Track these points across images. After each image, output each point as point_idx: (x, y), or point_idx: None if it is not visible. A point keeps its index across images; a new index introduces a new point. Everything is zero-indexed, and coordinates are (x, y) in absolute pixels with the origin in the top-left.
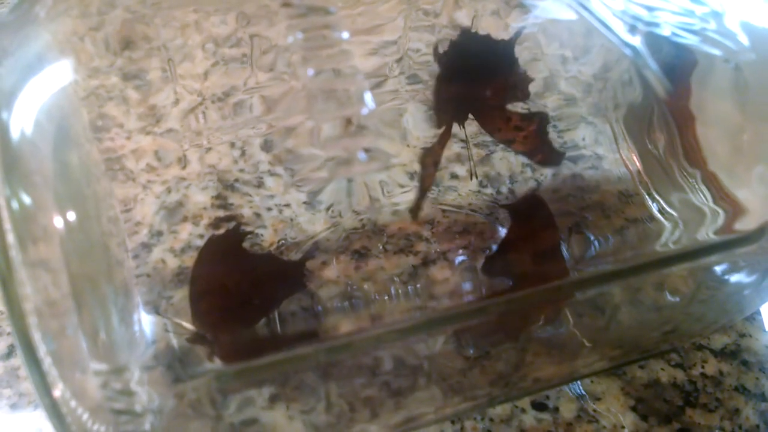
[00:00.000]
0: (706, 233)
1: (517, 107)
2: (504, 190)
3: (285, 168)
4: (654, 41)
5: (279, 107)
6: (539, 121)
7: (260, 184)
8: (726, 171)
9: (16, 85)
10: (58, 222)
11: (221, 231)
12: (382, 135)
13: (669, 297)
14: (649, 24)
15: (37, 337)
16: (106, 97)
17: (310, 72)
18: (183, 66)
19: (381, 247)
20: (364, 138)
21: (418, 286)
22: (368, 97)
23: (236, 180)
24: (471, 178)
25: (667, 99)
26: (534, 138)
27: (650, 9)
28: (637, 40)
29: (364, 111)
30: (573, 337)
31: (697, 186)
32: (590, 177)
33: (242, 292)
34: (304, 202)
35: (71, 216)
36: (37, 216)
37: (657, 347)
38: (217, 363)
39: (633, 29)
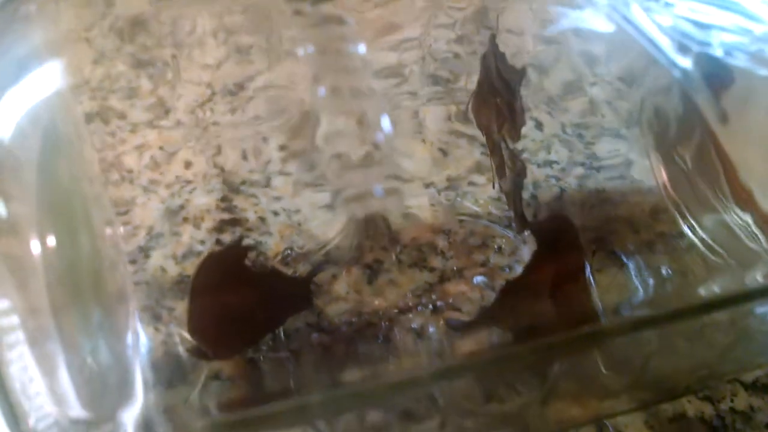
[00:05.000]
0: (756, 275)
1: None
2: (526, 196)
3: (300, 162)
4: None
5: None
6: (517, 173)
7: (268, 185)
8: None
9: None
10: (36, 234)
11: (222, 243)
12: (402, 163)
13: (708, 340)
14: (701, 44)
15: (8, 357)
16: (109, 88)
17: (322, 91)
18: (193, 55)
19: (394, 258)
20: (381, 168)
21: (435, 306)
22: (385, 121)
23: (243, 182)
24: (493, 186)
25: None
26: (511, 187)
27: (703, 27)
28: (687, 62)
29: (380, 137)
30: (602, 381)
31: (749, 228)
32: (615, 191)
33: (245, 310)
34: (320, 207)
35: (53, 226)
36: (13, 226)
37: (690, 388)
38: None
39: (683, 49)
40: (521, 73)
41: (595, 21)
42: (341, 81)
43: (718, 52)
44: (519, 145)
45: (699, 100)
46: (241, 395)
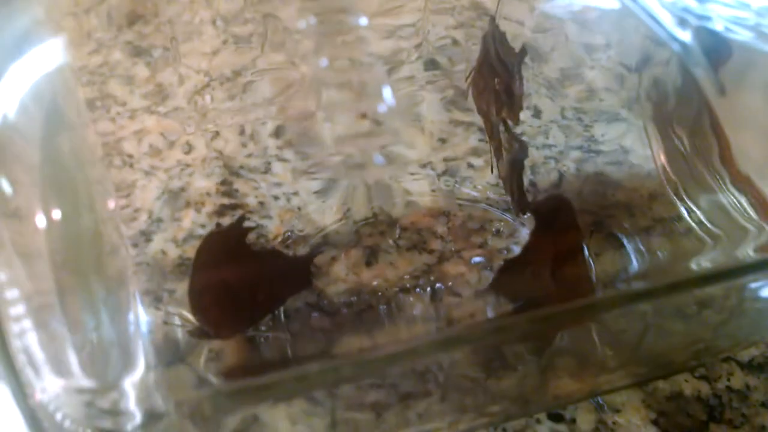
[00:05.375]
0: (747, 250)
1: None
2: (524, 182)
3: (296, 152)
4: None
5: (287, 97)
6: (517, 155)
7: (267, 170)
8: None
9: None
10: (41, 212)
11: (223, 225)
12: (401, 136)
13: (702, 316)
14: (700, 17)
15: (14, 330)
16: (108, 74)
17: (323, 62)
18: (191, 43)
19: (393, 242)
20: (380, 138)
21: (434, 287)
22: (387, 91)
23: (242, 167)
24: (491, 171)
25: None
26: (515, 176)
27: (703, 1)
28: (686, 35)
29: (382, 107)
30: (598, 356)
31: (744, 208)
32: (616, 174)
33: (246, 289)
34: (315, 192)
35: (57, 205)
36: (17, 204)
37: (685, 364)
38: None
39: (683, 22)
40: (521, 53)
41: None
42: (342, 52)
43: (718, 26)
44: (517, 130)
45: (698, 74)
46: (241, 365)
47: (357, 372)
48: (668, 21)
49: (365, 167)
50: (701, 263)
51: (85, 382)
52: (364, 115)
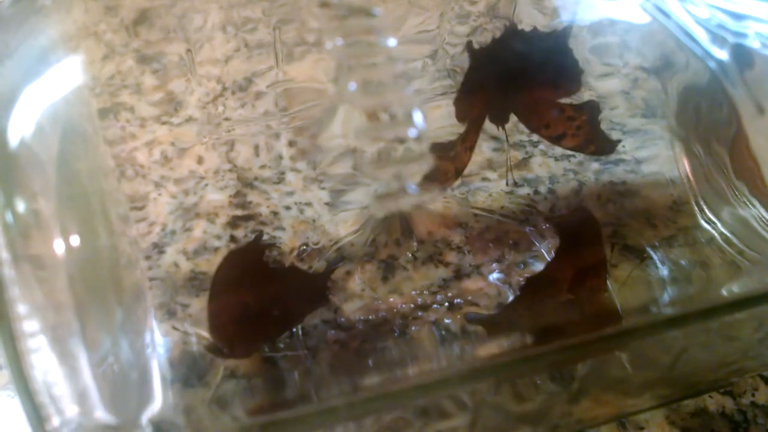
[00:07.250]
0: None
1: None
2: (543, 190)
3: (308, 162)
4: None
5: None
6: (590, 110)
7: (281, 181)
8: None
9: (17, 86)
10: (58, 230)
11: (240, 241)
12: (433, 162)
13: (733, 339)
14: (736, 34)
15: (31, 363)
16: (120, 84)
17: (352, 85)
18: (202, 51)
19: (410, 255)
20: (414, 165)
21: (453, 303)
22: (418, 116)
23: (256, 178)
24: (507, 184)
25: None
26: (586, 128)
27: (738, 18)
28: (723, 53)
29: (413, 132)
30: (628, 380)
31: None
32: (635, 184)
33: (263, 308)
34: (326, 203)
35: (74, 222)
36: (34, 223)
37: (712, 386)
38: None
39: (718, 40)
40: (565, 29)
41: (629, 12)
42: (370, 74)
43: (755, 44)
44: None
45: (735, 94)
46: (261, 399)
47: (383, 404)
48: (703, 38)
49: (398, 197)
50: (732, 288)
51: (104, 415)
52: (394, 141)
